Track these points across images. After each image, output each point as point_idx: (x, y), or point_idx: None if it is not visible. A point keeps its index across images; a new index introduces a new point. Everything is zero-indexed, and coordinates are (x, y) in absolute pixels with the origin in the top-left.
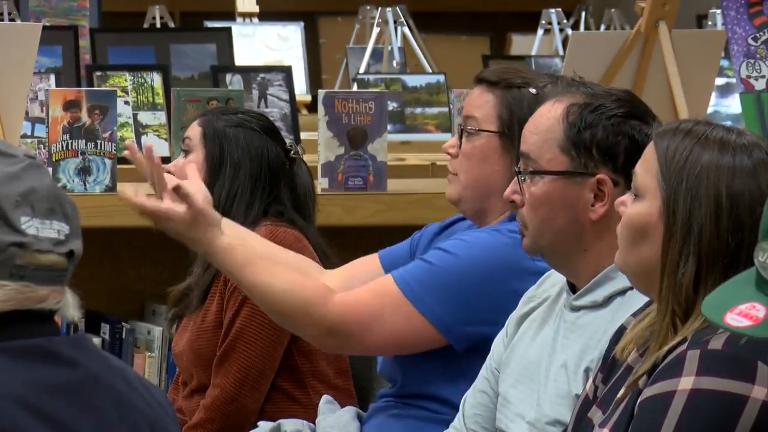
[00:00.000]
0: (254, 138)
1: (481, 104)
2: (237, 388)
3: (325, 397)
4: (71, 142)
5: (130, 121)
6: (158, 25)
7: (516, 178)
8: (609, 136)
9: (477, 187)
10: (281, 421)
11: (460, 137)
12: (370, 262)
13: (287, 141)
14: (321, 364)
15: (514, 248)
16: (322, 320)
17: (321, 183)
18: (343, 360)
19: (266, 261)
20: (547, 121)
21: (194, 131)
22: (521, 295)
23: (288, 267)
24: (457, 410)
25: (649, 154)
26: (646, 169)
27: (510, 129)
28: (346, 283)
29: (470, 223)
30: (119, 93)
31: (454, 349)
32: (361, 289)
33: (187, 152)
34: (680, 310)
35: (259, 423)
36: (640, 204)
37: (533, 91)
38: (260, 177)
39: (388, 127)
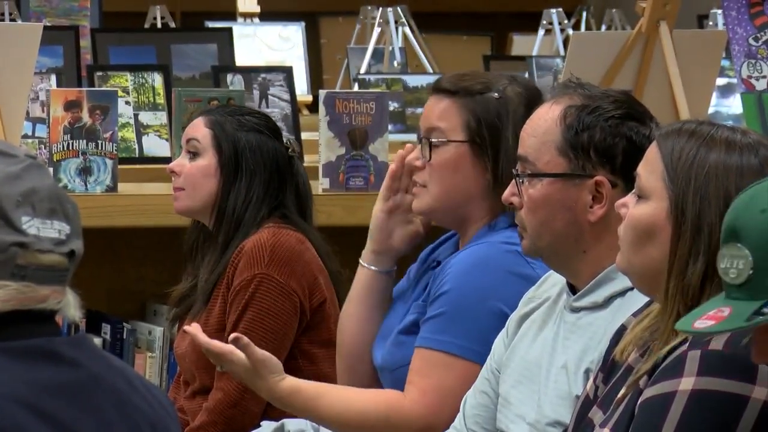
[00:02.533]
0: (265, 142)
1: (444, 114)
2: (240, 392)
3: None
4: (72, 143)
5: (131, 121)
6: (159, 25)
7: (514, 180)
8: (607, 138)
9: (452, 198)
10: (284, 420)
11: (428, 149)
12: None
13: (284, 139)
14: (324, 367)
15: (509, 256)
16: (404, 425)
17: (322, 183)
18: None
19: (333, 389)
20: (544, 124)
21: (202, 133)
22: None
23: (352, 392)
24: None
25: (653, 155)
26: (651, 170)
27: (480, 136)
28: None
29: (451, 247)
30: (120, 93)
31: None
32: (413, 377)
33: (194, 154)
34: (684, 310)
35: (262, 423)
36: (645, 205)
37: (496, 95)
38: (271, 182)
39: (389, 127)
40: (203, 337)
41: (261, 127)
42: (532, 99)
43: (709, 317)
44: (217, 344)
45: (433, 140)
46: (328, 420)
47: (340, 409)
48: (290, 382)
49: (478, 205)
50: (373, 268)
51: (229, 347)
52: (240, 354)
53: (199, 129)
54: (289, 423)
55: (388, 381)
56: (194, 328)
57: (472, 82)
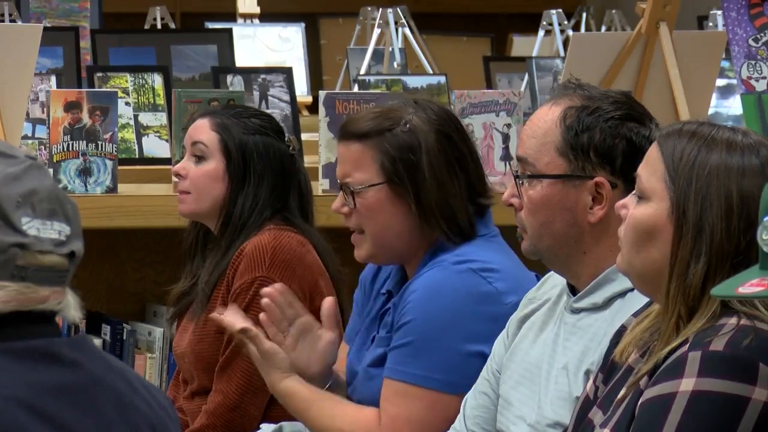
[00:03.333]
0: (271, 145)
1: (358, 160)
2: (240, 395)
3: None
4: (72, 143)
5: (131, 122)
6: (159, 26)
7: (514, 181)
8: (606, 139)
9: (386, 238)
10: (282, 423)
11: (350, 195)
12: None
13: (285, 136)
14: None
15: (463, 276)
16: None
17: (322, 184)
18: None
19: (324, 400)
20: (544, 125)
21: (209, 136)
22: (494, 317)
23: (342, 407)
24: None
25: (654, 156)
26: (651, 171)
27: (398, 176)
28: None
29: (397, 275)
30: (120, 94)
31: None
32: (384, 405)
33: (199, 158)
34: (685, 311)
35: (261, 426)
36: (646, 206)
37: (405, 127)
38: (277, 185)
39: None
40: (227, 321)
41: (266, 129)
42: (442, 122)
43: (755, 284)
44: (235, 327)
45: (353, 188)
46: (313, 428)
47: (325, 422)
48: (289, 383)
49: (413, 240)
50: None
51: (253, 333)
52: (259, 341)
53: (205, 132)
54: (287, 426)
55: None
56: (216, 316)
57: (377, 120)
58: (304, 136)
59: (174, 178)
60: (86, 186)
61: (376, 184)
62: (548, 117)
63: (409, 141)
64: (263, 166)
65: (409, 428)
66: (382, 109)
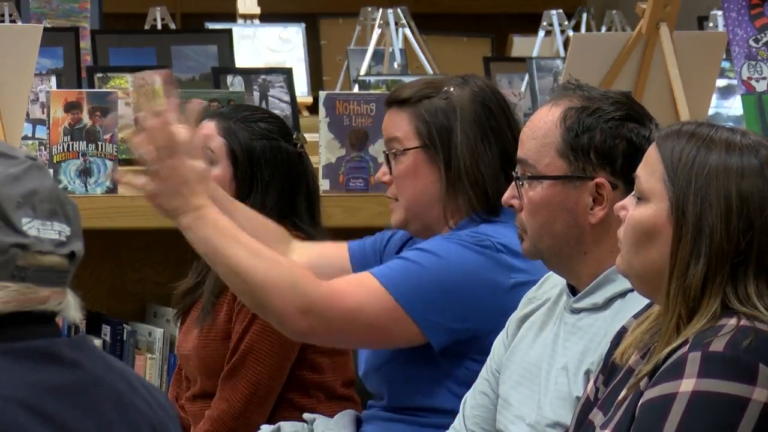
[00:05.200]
0: (279, 149)
1: (398, 124)
2: (245, 404)
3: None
4: (72, 144)
5: (132, 122)
6: (159, 27)
7: (514, 182)
8: (607, 140)
9: (418, 204)
10: (280, 423)
11: (389, 162)
12: (339, 250)
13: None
14: (328, 376)
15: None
16: (303, 296)
17: (322, 185)
18: (350, 370)
19: (258, 243)
20: (544, 126)
21: (216, 142)
22: (500, 286)
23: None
24: (449, 415)
25: (653, 156)
26: (650, 172)
27: (431, 139)
28: (312, 264)
29: None
30: (120, 95)
31: (432, 355)
32: (344, 279)
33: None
34: (685, 312)
35: (261, 427)
36: (645, 207)
37: (444, 96)
38: (284, 190)
39: None
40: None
41: (273, 133)
42: (483, 93)
43: None
44: (183, 135)
45: (391, 152)
46: (236, 253)
47: (257, 247)
48: (216, 210)
49: (444, 212)
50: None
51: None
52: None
53: (212, 137)
54: (285, 426)
55: (374, 383)
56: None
57: (420, 88)
58: None
59: None
60: (86, 186)
61: (411, 148)
62: (548, 118)
63: (444, 107)
64: (270, 173)
65: (349, 309)
66: (428, 80)
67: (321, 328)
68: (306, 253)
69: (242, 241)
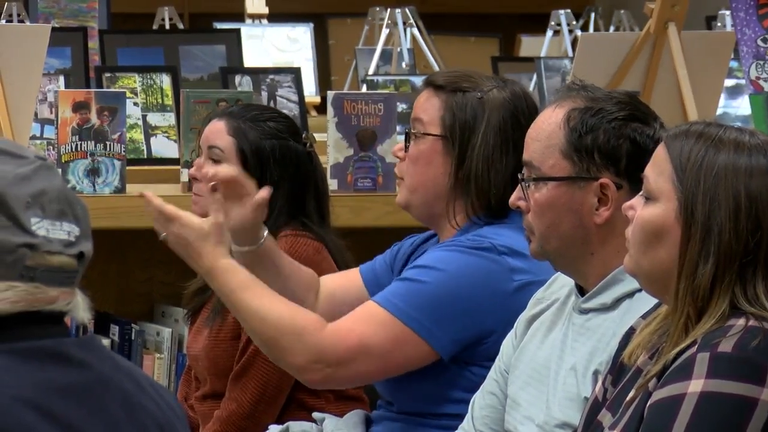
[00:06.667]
0: (288, 149)
1: (427, 107)
2: (254, 405)
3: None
4: (80, 144)
5: (140, 122)
6: (167, 27)
7: (520, 184)
8: (611, 140)
9: (423, 191)
10: (289, 423)
11: (407, 140)
12: (352, 277)
13: (302, 134)
14: None
15: (489, 255)
16: (310, 347)
17: (330, 184)
18: None
19: (266, 289)
20: (548, 127)
21: (225, 142)
22: (503, 290)
23: (284, 299)
24: (458, 419)
25: (661, 156)
26: (659, 171)
27: (452, 133)
28: (336, 300)
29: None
30: (128, 94)
31: (439, 362)
32: (347, 317)
33: (216, 161)
34: (694, 312)
35: (270, 427)
36: (653, 207)
37: (478, 95)
38: (293, 190)
39: (398, 128)
40: (158, 201)
41: (283, 133)
42: (516, 102)
43: None
44: (171, 208)
45: (412, 131)
46: (246, 310)
47: (261, 306)
48: (231, 262)
49: (449, 207)
50: (245, 248)
51: (186, 213)
52: (194, 218)
53: (222, 137)
54: (294, 425)
55: (381, 388)
56: (149, 193)
57: (460, 79)
58: None
59: (183, 179)
60: (94, 186)
61: (431, 134)
62: (552, 119)
63: (475, 106)
64: (279, 173)
65: (358, 346)
66: (468, 72)
67: (337, 373)
68: (325, 291)
69: (248, 302)
